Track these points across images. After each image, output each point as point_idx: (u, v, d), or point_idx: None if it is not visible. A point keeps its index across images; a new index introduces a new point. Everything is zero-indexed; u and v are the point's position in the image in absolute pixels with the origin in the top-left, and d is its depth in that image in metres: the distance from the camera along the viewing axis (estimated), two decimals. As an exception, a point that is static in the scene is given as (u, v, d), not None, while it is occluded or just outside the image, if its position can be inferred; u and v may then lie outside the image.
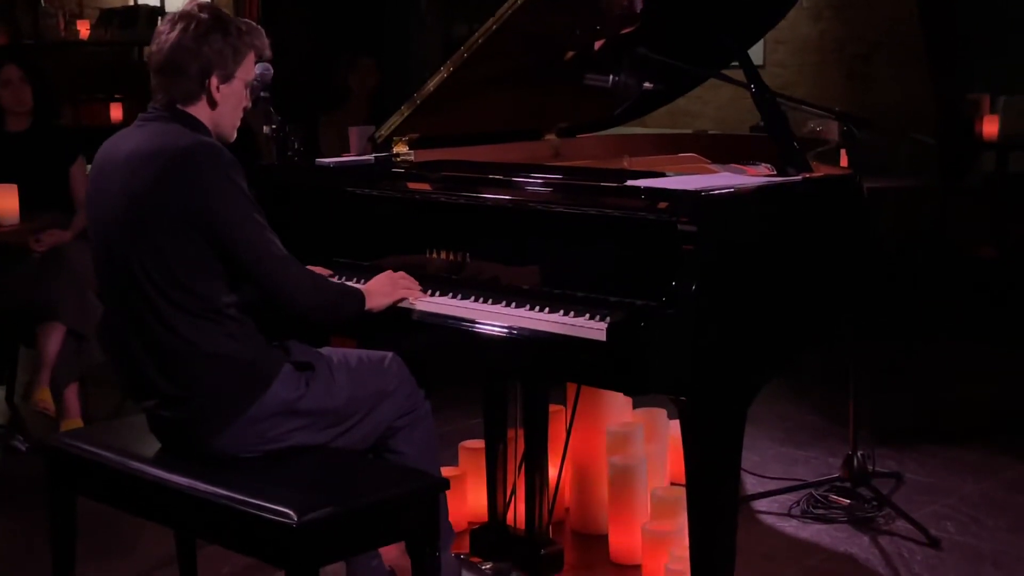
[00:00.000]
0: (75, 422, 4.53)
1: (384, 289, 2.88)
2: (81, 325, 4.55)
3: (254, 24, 2.77)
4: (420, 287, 2.93)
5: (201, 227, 2.57)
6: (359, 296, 2.82)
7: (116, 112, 7.93)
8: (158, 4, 8.55)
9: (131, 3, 8.64)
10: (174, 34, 2.66)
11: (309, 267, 2.98)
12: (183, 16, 2.68)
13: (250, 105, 2.83)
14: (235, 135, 2.81)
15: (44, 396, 4.46)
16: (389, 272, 2.95)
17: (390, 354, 2.89)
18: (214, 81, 2.68)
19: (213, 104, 2.71)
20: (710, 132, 4.61)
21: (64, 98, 6.59)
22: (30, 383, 4.63)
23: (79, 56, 8.29)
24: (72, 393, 4.59)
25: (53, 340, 4.47)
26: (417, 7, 8.66)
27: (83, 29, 8.24)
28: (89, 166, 4.98)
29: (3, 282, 4.65)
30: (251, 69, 2.76)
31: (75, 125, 7.19)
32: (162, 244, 2.58)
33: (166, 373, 2.63)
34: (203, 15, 2.67)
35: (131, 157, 2.64)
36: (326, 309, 2.77)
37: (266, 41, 2.79)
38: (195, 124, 2.69)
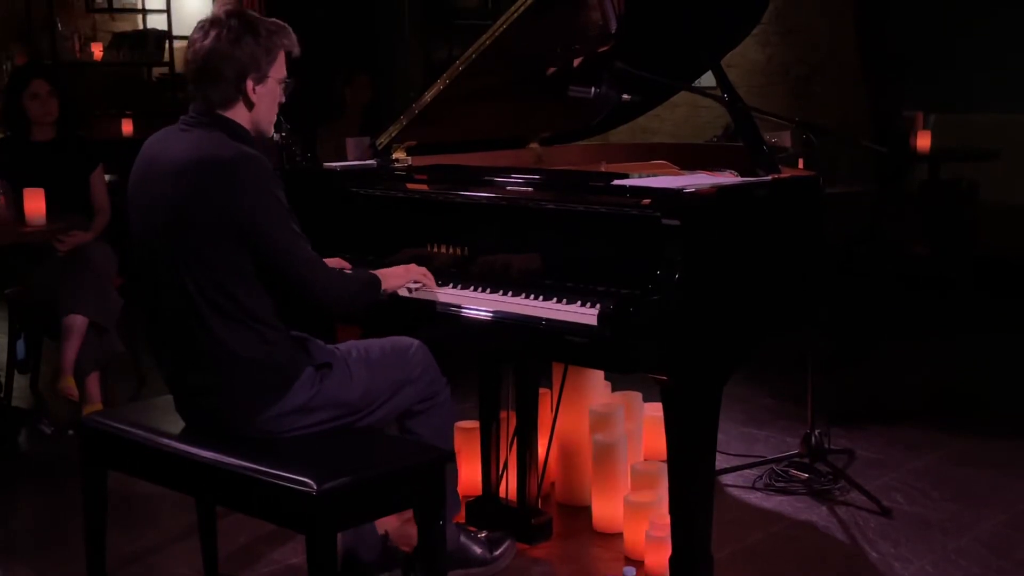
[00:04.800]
0: (96, 408, 4.47)
1: (398, 272, 2.85)
2: (102, 318, 4.48)
3: (282, 23, 2.64)
4: (434, 278, 2.90)
5: (240, 234, 2.48)
6: (377, 283, 2.77)
7: (127, 127, 7.87)
8: (166, 28, 8.49)
9: (140, 27, 8.58)
10: (208, 41, 2.54)
11: (329, 259, 2.95)
12: (214, 22, 2.56)
13: (284, 100, 2.70)
14: (272, 130, 2.71)
15: (68, 383, 4.39)
16: (409, 265, 2.91)
17: (415, 343, 2.82)
18: (250, 83, 2.57)
19: (250, 105, 2.60)
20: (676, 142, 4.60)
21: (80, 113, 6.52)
22: (54, 372, 4.57)
23: (93, 75, 8.24)
24: (94, 381, 4.52)
25: (76, 331, 4.41)
26: (402, 31, 8.64)
27: (97, 51, 8.19)
28: (108, 175, 5.01)
29: (30, 278, 4.59)
30: (283, 67, 2.64)
31: (89, 138, 7.12)
32: (205, 250, 2.49)
33: (198, 368, 2.57)
34: (233, 20, 2.55)
35: (175, 165, 2.53)
36: (350, 302, 2.70)
37: (295, 38, 2.66)
38: (236, 130, 2.58)
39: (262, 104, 2.61)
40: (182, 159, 2.52)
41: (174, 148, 2.57)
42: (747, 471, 3.90)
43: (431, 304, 2.89)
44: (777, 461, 3.91)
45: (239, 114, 2.60)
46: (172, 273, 2.54)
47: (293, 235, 2.54)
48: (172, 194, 2.51)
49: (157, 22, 8.60)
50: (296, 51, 2.67)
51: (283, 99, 2.69)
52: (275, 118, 2.70)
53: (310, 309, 2.66)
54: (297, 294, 2.58)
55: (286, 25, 2.66)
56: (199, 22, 2.61)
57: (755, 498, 3.72)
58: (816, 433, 3.82)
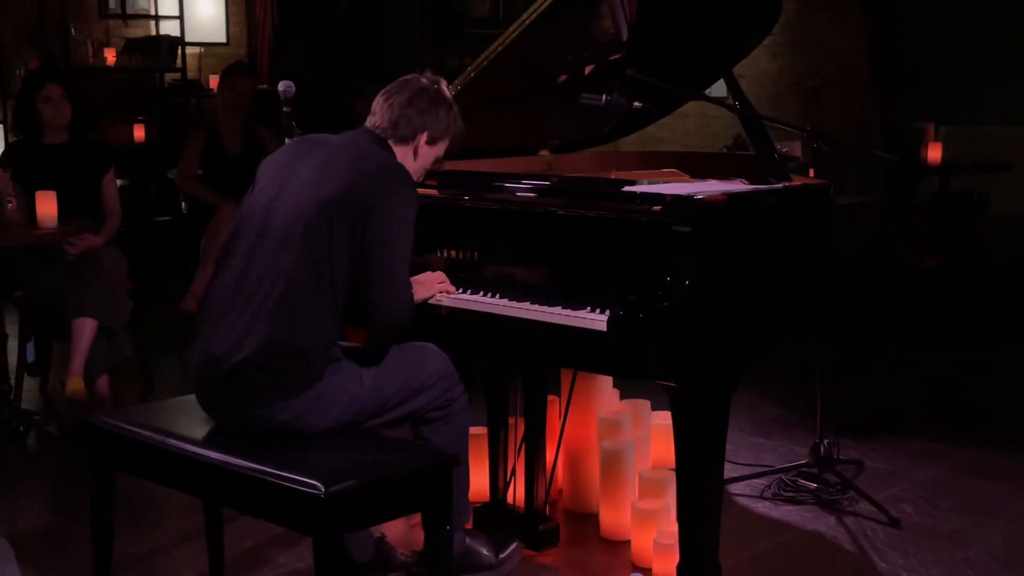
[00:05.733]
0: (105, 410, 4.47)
1: (424, 280, 2.90)
2: (111, 321, 4.48)
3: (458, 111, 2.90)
4: (453, 290, 2.93)
5: (367, 228, 2.60)
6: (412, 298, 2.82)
7: (139, 132, 7.87)
8: (178, 35, 8.51)
9: (153, 33, 8.60)
10: (415, 92, 2.81)
11: None
12: (428, 81, 2.85)
13: (422, 179, 2.93)
14: None
15: (77, 385, 4.39)
16: (429, 272, 2.95)
17: (431, 350, 2.83)
18: (424, 137, 2.82)
19: (415, 155, 2.83)
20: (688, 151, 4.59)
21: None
22: (62, 374, 4.57)
23: (105, 80, 8.25)
24: (103, 384, 4.52)
25: (85, 334, 4.41)
26: (413, 41, 8.66)
27: (109, 56, 8.21)
28: (118, 180, 5.02)
29: (40, 280, 4.59)
30: (446, 146, 2.88)
31: (101, 143, 7.14)
32: (341, 232, 2.59)
33: (264, 339, 2.57)
34: (439, 88, 2.86)
35: (341, 148, 2.71)
36: (401, 331, 2.75)
37: (462, 128, 2.91)
38: (394, 156, 2.79)
39: (420, 161, 2.85)
40: (357, 150, 2.73)
41: (340, 139, 2.78)
42: (755, 480, 3.88)
43: (439, 309, 2.89)
44: (785, 471, 3.89)
45: (404, 155, 2.82)
46: (289, 242, 2.60)
47: (404, 253, 2.69)
48: (329, 169, 2.65)
49: (170, 28, 8.62)
50: (456, 143, 2.93)
51: (422, 178, 2.92)
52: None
53: (365, 319, 2.71)
54: (371, 304, 2.67)
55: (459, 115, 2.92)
56: (417, 74, 2.88)
57: (763, 507, 3.71)
58: (825, 443, 3.80)
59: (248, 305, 2.61)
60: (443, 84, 2.89)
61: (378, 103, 2.83)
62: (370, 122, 2.83)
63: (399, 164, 2.76)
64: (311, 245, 2.60)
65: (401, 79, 2.87)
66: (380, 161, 2.71)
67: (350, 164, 2.66)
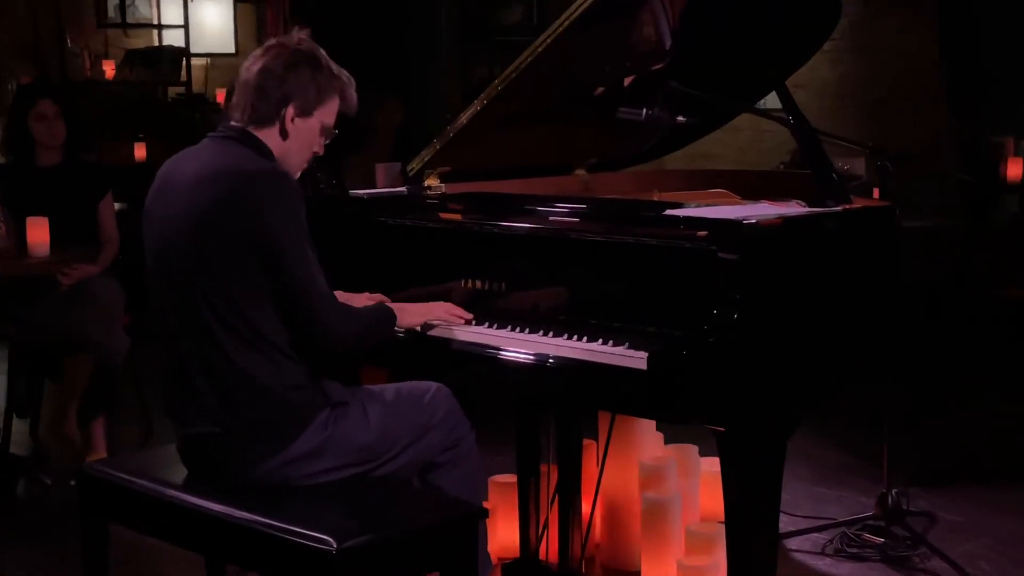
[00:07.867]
0: (100, 456, 4.51)
1: (418, 309, 2.88)
2: (109, 358, 4.52)
3: (348, 74, 2.76)
4: (471, 317, 2.91)
5: (258, 252, 2.55)
6: (390, 319, 2.81)
7: (140, 151, 7.97)
8: (183, 45, 8.62)
9: (156, 44, 8.71)
10: (266, 57, 2.67)
11: (357, 295, 2.95)
12: (280, 43, 2.69)
13: (322, 152, 2.80)
14: (298, 174, 2.77)
15: (71, 428, 4.43)
16: (441, 303, 2.93)
17: (434, 386, 2.84)
18: (290, 111, 2.66)
19: (284, 134, 2.68)
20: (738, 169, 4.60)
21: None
22: (55, 416, 4.61)
23: (104, 95, 8.36)
24: (98, 427, 4.56)
25: (81, 373, 4.46)
26: (439, 49, 8.71)
27: (108, 69, 8.33)
28: (117, 204, 5.08)
29: (31, 315, 4.63)
30: (332, 114, 2.73)
31: (99, 163, 7.21)
32: (224, 269, 2.56)
33: (218, 397, 2.60)
34: (299, 47, 2.69)
35: (197, 175, 2.61)
36: (355, 342, 2.74)
37: (354, 96, 2.77)
38: (262, 149, 2.67)
39: (297, 139, 2.70)
40: (205, 169, 2.62)
41: (196, 160, 2.67)
42: (816, 535, 3.87)
43: (464, 345, 2.90)
44: (849, 524, 3.88)
45: (271, 138, 2.69)
46: (185, 291, 2.60)
47: (311, 262, 2.61)
48: (191, 205, 2.59)
49: (174, 38, 8.73)
50: (351, 110, 2.78)
51: (320, 150, 2.79)
52: (305, 164, 2.78)
53: (314, 344, 2.68)
54: (302, 324, 2.63)
55: (352, 78, 2.77)
56: (267, 41, 2.73)
57: (824, 565, 3.69)
58: (893, 493, 3.79)
59: (193, 378, 2.62)
60: (299, 39, 2.69)
61: (236, 86, 2.69)
62: (233, 117, 2.68)
63: (256, 165, 2.60)
64: (206, 294, 2.56)
65: (250, 56, 2.70)
66: (238, 171, 2.57)
67: (210, 191, 2.56)
